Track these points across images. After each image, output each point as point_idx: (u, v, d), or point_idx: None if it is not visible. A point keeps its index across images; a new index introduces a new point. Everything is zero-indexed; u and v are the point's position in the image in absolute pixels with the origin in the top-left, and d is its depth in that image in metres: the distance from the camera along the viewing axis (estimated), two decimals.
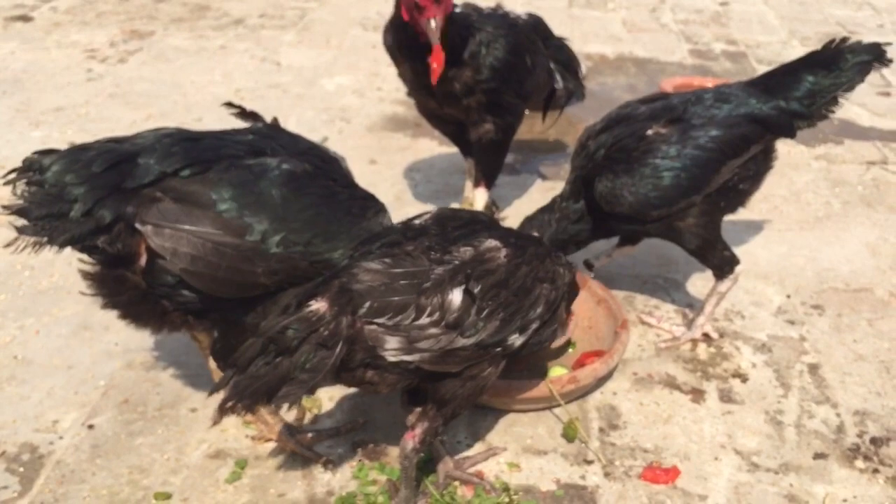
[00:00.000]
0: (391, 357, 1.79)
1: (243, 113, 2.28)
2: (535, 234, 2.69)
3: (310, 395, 1.78)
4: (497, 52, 2.97)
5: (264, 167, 2.01)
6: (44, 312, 2.80)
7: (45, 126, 4.20)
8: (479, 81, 2.97)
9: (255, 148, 2.07)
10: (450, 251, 1.87)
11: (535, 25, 3.33)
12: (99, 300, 2.06)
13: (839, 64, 2.56)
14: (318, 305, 1.75)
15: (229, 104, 2.28)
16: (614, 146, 2.56)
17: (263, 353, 1.74)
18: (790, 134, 2.60)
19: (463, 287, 1.81)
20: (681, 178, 2.48)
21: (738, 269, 2.64)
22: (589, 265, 2.96)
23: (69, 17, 5.89)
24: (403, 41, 2.90)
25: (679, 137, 2.50)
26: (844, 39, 2.62)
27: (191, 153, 1.97)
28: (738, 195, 2.66)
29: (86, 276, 2.03)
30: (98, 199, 1.87)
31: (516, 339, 1.91)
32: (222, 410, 1.72)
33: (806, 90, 2.56)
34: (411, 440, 1.95)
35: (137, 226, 1.89)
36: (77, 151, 1.94)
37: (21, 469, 2.17)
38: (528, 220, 2.79)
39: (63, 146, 2.01)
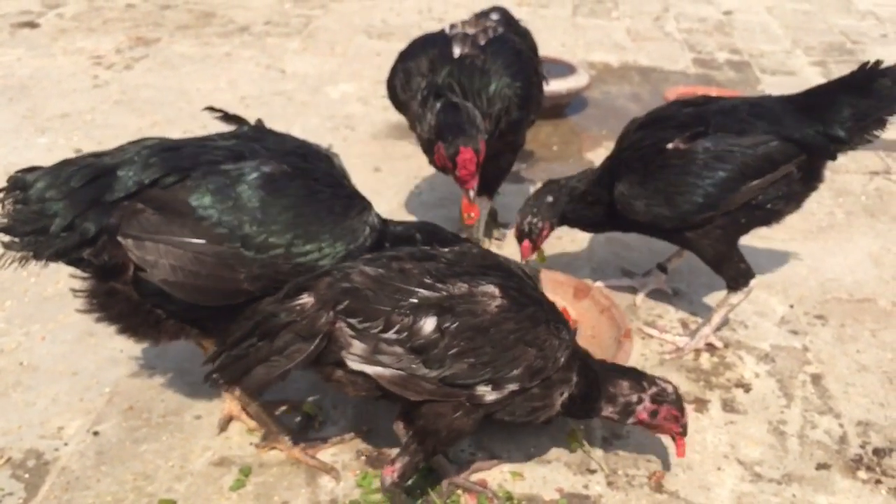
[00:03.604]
0: (352, 363, 1.84)
1: (226, 116, 2.28)
2: (549, 198, 2.69)
3: (281, 381, 1.86)
4: (520, 91, 2.87)
5: (241, 171, 2.00)
6: (49, 319, 2.81)
7: (50, 132, 4.21)
8: (510, 124, 2.90)
9: (234, 152, 2.07)
10: (445, 281, 1.87)
11: (511, 26, 3.19)
12: (94, 316, 2.09)
13: (874, 87, 2.50)
14: (306, 298, 1.84)
15: (211, 108, 2.28)
16: (638, 151, 2.58)
17: (251, 335, 1.85)
18: (829, 156, 2.56)
19: (437, 317, 1.82)
20: (695, 195, 2.49)
21: (752, 282, 2.65)
22: (662, 268, 3.01)
23: (75, 24, 5.92)
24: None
25: (700, 153, 2.49)
26: (878, 62, 2.54)
27: (169, 162, 1.99)
28: (766, 214, 2.61)
29: (77, 292, 2.07)
30: (77, 214, 1.91)
31: (487, 393, 1.88)
32: (206, 380, 1.90)
33: (846, 114, 2.50)
34: (389, 475, 1.96)
35: (119, 239, 1.92)
36: (60, 167, 1.98)
37: (26, 475, 2.18)
38: (551, 183, 2.77)
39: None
